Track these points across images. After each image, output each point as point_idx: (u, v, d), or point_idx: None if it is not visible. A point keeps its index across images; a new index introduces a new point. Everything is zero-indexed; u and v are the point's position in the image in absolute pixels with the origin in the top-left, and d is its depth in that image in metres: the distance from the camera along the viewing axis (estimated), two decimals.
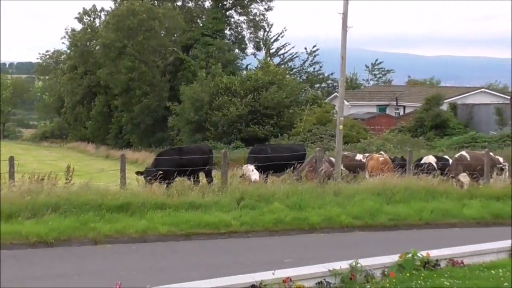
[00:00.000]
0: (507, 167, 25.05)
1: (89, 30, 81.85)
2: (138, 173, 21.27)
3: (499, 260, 12.53)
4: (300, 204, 18.58)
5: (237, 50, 79.09)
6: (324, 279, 10.79)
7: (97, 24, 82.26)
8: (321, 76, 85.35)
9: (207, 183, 21.83)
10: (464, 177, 23.42)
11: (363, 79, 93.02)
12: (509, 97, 57.05)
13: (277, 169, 23.53)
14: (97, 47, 73.41)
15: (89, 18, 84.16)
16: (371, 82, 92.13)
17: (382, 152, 29.70)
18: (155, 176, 20.04)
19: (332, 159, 25.77)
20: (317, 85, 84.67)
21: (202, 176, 22.86)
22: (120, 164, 20.32)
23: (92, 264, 13.55)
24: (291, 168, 23.25)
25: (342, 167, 25.84)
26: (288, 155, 24.14)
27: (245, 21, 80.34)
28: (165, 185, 19.90)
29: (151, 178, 20.11)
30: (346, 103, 58.03)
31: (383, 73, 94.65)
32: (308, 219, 17.68)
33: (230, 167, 24.79)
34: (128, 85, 70.11)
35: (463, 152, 25.64)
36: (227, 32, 79.38)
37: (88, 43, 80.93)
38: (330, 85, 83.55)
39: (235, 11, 79.87)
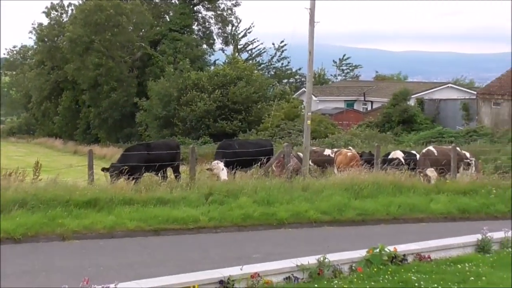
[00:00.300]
0: (473, 162, 25.31)
1: (56, 25, 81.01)
2: (104, 169, 21.14)
3: (465, 254, 12.67)
4: (269, 199, 18.61)
5: (205, 46, 78.91)
6: (292, 274, 10.83)
7: (65, 19, 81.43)
8: (289, 72, 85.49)
9: (175, 179, 21.77)
10: (431, 172, 23.61)
11: (331, 75, 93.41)
12: (475, 92, 57.67)
13: (245, 164, 23.54)
14: (64, 42, 72.67)
15: (56, 13, 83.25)
16: (339, 78, 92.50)
17: (350, 147, 29.81)
18: (121, 172, 19.95)
19: (300, 154, 25.84)
20: (285, 81, 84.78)
21: (170, 171, 22.81)
22: (88, 159, 20.20)
23: (59, 260, 13.44)
24: (258, 164, 23.29)
25: (310, 162, 25.92)
26: (255, 150, 24.18)
27: (213, 16, 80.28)
28: (133, 180, 19.81)
29: (118, 173, 20.01)
30: (314, 98, 58.20)
31: (350, 68, 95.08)
32: (276, 214, 17.71)
33: (198, 162, 24.75)
34: (96, 80, 69.70)
35: (430, 147, 25.85)
36: (195, 27, 79.19)
37: (55, 38, 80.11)
38: (298, 80, 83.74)
39: (203, 6, 79.67)
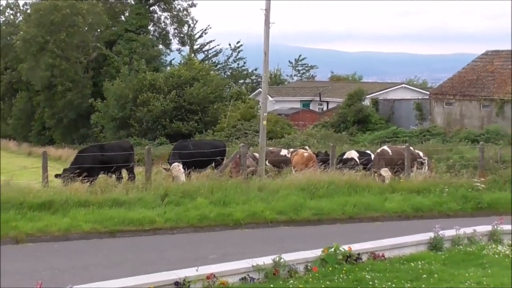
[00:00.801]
0: (426, 161, 25.68)
1: (10, 24, 79.86)
2: (57, 175, 20.93)
3: (418, 252, 12.85)
4: (225, 200, 18.66)
5: (161, 46, 78.60)
6: (248, 275, 10.87)
7: (20, 19, 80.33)
8: (245, 72, 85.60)
9: (129, 180, 21.66)
10: (385, 172, 23.88)
11: (287, 75, 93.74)
12: (428, 93, 58.45)
13: (200, 165, 23.55)
14: (17, 42, 71.65)
15: (11, 12, 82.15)
16: (295, 78, 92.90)
17: (306, 147, 29.98)
18: (74, 175, 19.79)
19: (257, 154, 25.90)
20: (241, 81, 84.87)
21: (125, 173, 22.70)
22: (42, 161, 19.99)
23: (13, 263, 13.27)
24: (213, 164, 23.32)
25: (267, 163, 26.01)
26: (208, 151, 24.22)
27: (169, 17, 79.96)
28: (88, 182, 19.66)
29: (73, 176, 19.85)
30: (270, 98, 58.35)
31: (306, 69, 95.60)
32: (232, 215, 17.76)
33: (154, 163, 24.68)
34: (50, 81, 68.87)
35: (385, 147, 26.14)
36: (150, 28, 78.75)
37: (8, 37, 78.96)
38: (255, 80, 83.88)
39: (159, 6, 79.29)
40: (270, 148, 28.94)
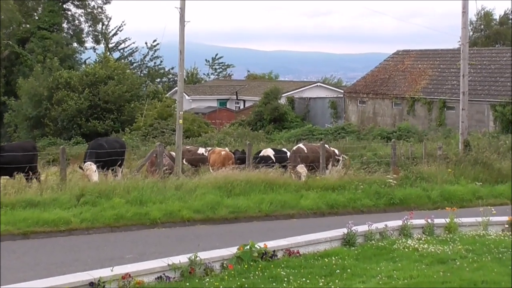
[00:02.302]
0: (342, 159, 26.16)
1: None
2: None
3: (332, 248, 13.08)
4: (141, 199, 18.59)
5: (75, 44, 77.29)
6: (164, 274, 10.87)
7: None
8: (162, 71, 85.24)
9: (34, 180, 21.10)
10: (301, 168, 24.19)
11: (204, 74, 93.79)
12: (342, 91, 59.50)
13: (111, 163, 23.38)
14: None
15: None
16: (212, 77, 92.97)
17: (226, 148, 30.11)
18: None
19: (173, 153, 25.87)
20: (158, 80, 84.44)
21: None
22: None
23: None
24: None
25: (184, 161, 26.02)
26: (120, 150, 24.13)
27: (83, 14, 78.71)
28: None
29: None
30: (186, 97, 58.28)
31: (223, 67, 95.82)
32: (149, 214, 17.71)
33: (70, 163, 24.33)
34: None
35: (300, 145, 26.49)
36: (64, 25, 77.33)
37: None
38: (171, 79, 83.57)
39: (72, 3, 77.90)
40: (188, 147, 28.94)
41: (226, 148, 28.65)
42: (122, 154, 24.32)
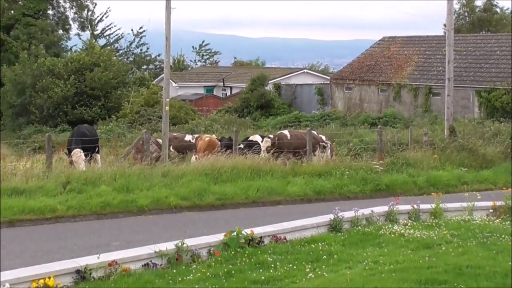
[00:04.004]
0: (329, 145, 26.20)
1: None
2: None
3: (319, 234, 13.13)
4: (128, 186, 18.56)
5: (61, 31, 76.76)
6: (151, 261, 10.88)
7: None
8: (148, 58, 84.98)
9: None
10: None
11: (191, 60, 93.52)
12: (329, 78, 59.53)
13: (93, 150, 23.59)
14: None
15: None
16: (199, 64, 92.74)
17: (213, 135, 30.10)
18: None
19: (160, 140, 25.84)
20: (145, 67, 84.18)
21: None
22: None
23: None
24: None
25: (171, 149, 26.00)
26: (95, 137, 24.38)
27: (68, 1, 78.09)
28: None
29: None
30: (173, 84, 58.13)
31: (210, 54, 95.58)
32: (136, 201, 17.71)
33: (56, 150, 24.27)
34: None
35: (284, 131, 26.57)
36: (50, 12, 76.75)
37: None
38: (158, 66, 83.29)
39: None
40: (174, 134, 28.92)
41: (213, 135, 28.63)
42: (98, 142, 24.76)
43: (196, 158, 24.34)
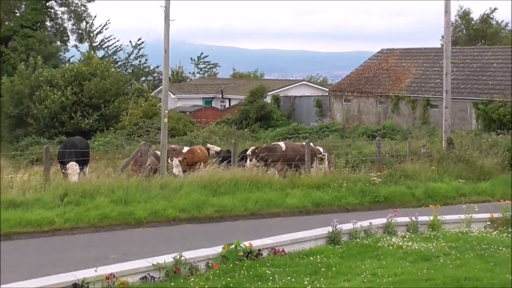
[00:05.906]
0: (327, 157, 26.17)
1: None
2: None
3: (317, 247, 13.12)
4: (126, 198, 18.50)
5: (59, 42, 76.89)
6: (148, 274, 10.85)
7: None
8: (146, 69, 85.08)
9: None
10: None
11: (189, 72, 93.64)
12: (328, 89, 59.60)
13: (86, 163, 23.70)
14: None
15: None
16: (197, 75, 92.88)
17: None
18: None
19: (158, 152, 25.79)
20: (143, 78, 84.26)
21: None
22: None
23: None
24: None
25: (169, 161, 25.94)
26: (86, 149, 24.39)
27: (66, 12, 78.31)
28: None
29: None
30: (172, 96, 58.17)
31: (208, 66, 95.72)
32: (134, 213, 17.65)
33: (54, 163, 24.22)
34: None
35: (280, 142, 26.60)
36: (48, 23, 76.92)
37: None
38: (156, 78, 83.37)
39: (56, 1, 77.59)
40: (173, 146, 28.88)
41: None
42: (88, 154, 24.91)
43: (178, 160, 24.32)
